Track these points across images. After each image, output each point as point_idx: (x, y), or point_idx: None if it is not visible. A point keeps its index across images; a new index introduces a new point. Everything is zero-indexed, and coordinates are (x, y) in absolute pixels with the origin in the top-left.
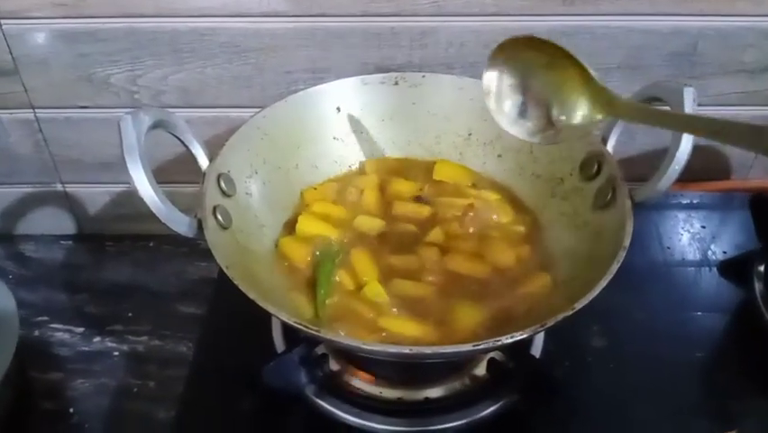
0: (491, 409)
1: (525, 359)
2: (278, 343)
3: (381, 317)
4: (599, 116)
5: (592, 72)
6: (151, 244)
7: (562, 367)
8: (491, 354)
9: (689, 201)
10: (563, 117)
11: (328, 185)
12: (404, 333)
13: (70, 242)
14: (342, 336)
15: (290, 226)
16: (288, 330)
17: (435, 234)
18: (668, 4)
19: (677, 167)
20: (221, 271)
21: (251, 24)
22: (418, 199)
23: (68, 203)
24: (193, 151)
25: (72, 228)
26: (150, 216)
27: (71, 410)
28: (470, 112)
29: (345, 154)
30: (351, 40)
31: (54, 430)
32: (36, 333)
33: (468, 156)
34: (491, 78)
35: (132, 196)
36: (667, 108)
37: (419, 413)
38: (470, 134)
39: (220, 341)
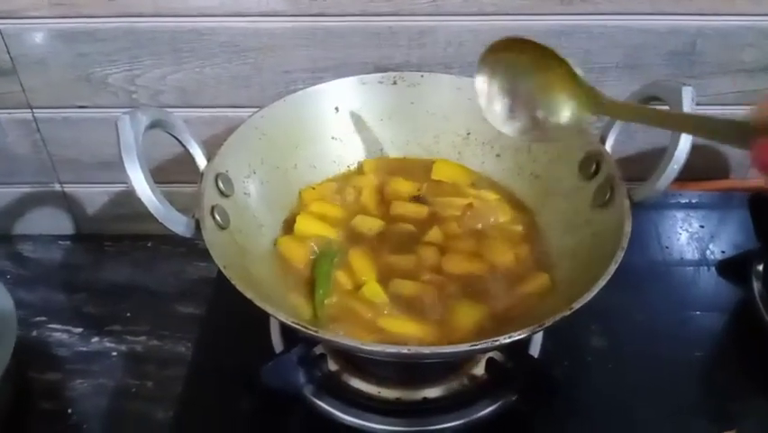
0: (490, 409)
1: (523, 359)
2: (277, 343)
3: (380, 317)
4: (586, 115)
5: (578, 71)
6: (150, 245)
7: (560, 367)
8: (490, 354)
9: (687, 201)
10: (550, 117)
11: (327, 185)
12: (402, 333)
13: (69, 242)
14: (341, 337)
15: (289, 226)
16: (286, 330)
17: (434, 234)
18: (667, 4)
19: (675, 166)
20: (219, 271)
21: (250, 24)
22: (417, 199)
23: (67, 203)
24: (191, 150)
25: (70, 228)
26: (148, 216)
27: (70, 411)
28: (468, 111)
29: (344, 154)
30: (349, 39)
31: (53, 430)
32: (34, 333)
33: (466, 156)
34: (481, 80)
35: (130, 196)
36: (664, 107)
37: (418, 413)
38: (468, 134)
39: (218, 341)
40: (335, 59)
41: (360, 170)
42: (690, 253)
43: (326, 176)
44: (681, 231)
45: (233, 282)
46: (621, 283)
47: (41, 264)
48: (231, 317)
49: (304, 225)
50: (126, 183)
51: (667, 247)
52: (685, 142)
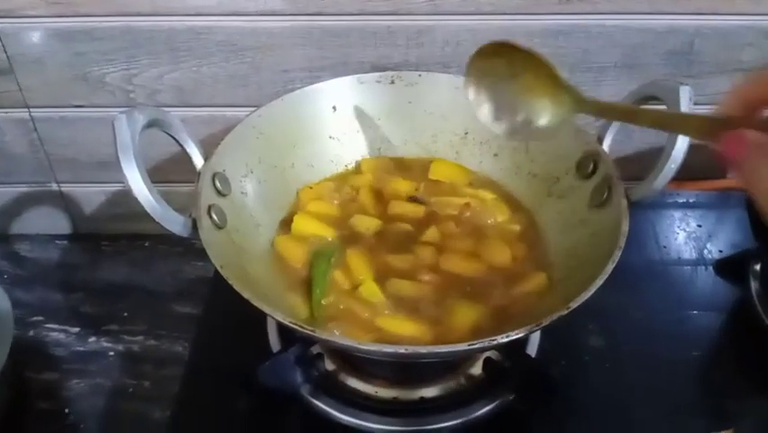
0: (487, 408)
1: (520, 358)
2: (274, 342)
3: (377, 316)
4: (567, 115)
5: (559, 72)
6: (147, 244)
7: (558, 366)
8: (487, 354)
9: (685, 200)
10: (533, 119)
11: (324, 184)
12: (399, 332)
13: (66, 241)
14: (338, 336)
15: (286, 226)
16: (283, 330)
17: (431, 234)
18: (665, 3)
19: (673, 166)
20: (216, 270)
21: (248, 23)
22: (414, 199)
23: (64, 202)
24: (188, 150)
25: (67, 228)
26: (145, 215)
27: (66, 411)
28: (466, 111)
29: (341, 153)
30: (347, 39)
31: (50, 430)
32: (31, 333)
33: (464, 155)
34: (469, 85)
35: (127, 195)
36: (661, 107)
37: (415, 413)
38: (466, 133)
39: (215, 341)
40: (333, 58)
41: (357, 169)
42: (688, 253)
43: (324, 175)
44: (678, 230)
45: (230, 282)
46: (619, 283)
47: (38, 264)
48: (228, 317)
49: (301, 224)
50: (123, 183)
51: (665, 247)
52: (683, 141)
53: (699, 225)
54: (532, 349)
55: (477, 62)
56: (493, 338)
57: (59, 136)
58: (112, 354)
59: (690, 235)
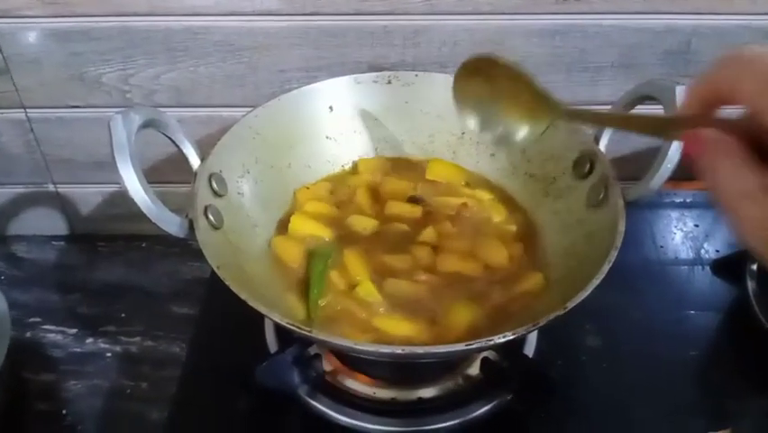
0: (485, 408)
1: (518, 358)
2: (272, 343)
3: (374, 316)
4: (545, 125)
5: (536, 82)
6: (144, 245)
7: (555, 366)
8: (484, 354)
9: (682, 200)
10: (512, 131)
11: (321, 184)
12: (397, 333)
13: (62, 242)
14: (335, 337)
15: (283, 226)
16: (280, 330)
17: (428, 234)
18: (662, 3)
19: (669, 165)
20: (213, 271)
21: (245, 23)
22: (411, 199)
23: (61, 203)
24: (184, 150)
25: (64, 229)
26: (142, 216)
27: (64, 412)
28: None
29: (338, 153)
30: (344, 39)
31: (47, 431)
32: (28, 334)
33: (461, 155)
34: (455, 98)
35: (124, 196)
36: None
37: (412, 413)
38: (463, 133)
39: (213, 341)
40: (330, 58)
41: (354, 169)
42: (685, 253)
43: (321, 175)
44: (675, 230)
45: (226, 283)
46: (616, 283)
47: (35, 265)
48: (225, 318)
49: (298, 224)
50: (119, 183)
51: (662, 246)
52: (678, 141)
53: (696, 225)
54: (529, 349)
55: (462, 76)
56: (490, 338)
57: (55, 137)
58: (109, 355)
59: (687, 235)
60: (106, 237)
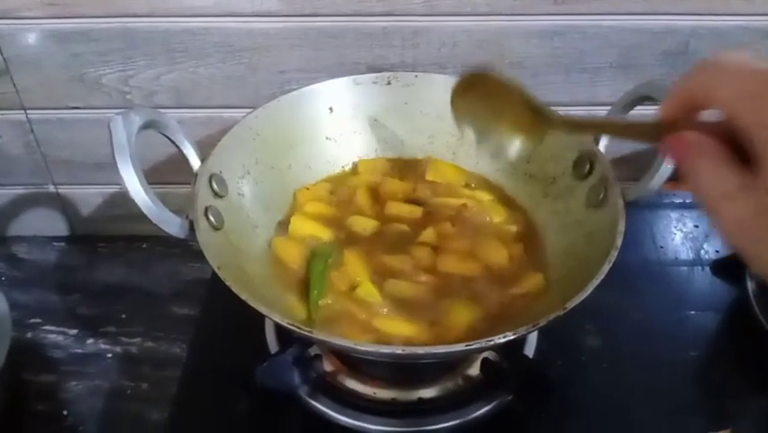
0: (485, 409)
1: (518, 359)
2: (272, 343)
3: (374, 317)
4: (539, 136)
5: (529, 93)
6: (144, 246)
7: (555, 367)
8: (485, 354)
9: (681, 200)
10: (507, 144)
11: (321, 185)
12: (397, 333)
13: (63, 243)
14: (335, 337)
15: (283, 227)
16: (281, 331)
17: (428, 235)
18: (660, 3)
19: (669, 166)
20: (214, 271)
21: (244, 24)
22: (411, 200)
23: (61, 204)
24: (184, 151)
25: (65, 229)
26: (142, 217)
27: (65, 412)
28: None
29: (338, 154)
30: (343, 40)
31: (48, 432)
32: (29, 335)
33: (461, 156)
34: (453, 112)
35: (124, 197)
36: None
37: (413, 413)
38: (461, 136)
39: (213, 342)
40: (329, 59)
41: (354, 170)
42: (685, 253)
43: (321, 176)
44: (675, 231)
45: (227, 283)
46: (616, 283)
47: (36, 266)
48: (225, 318)
49: (298, 225)
50: (120, 184)
51: (662, 247)
52: None
53: (696, 226)
54: (529, 350)
55: (458, 91)
56: (490, 339)
57: (55, 138)
58: (110, 355)
59: (686, 236)
60: (107, 238)
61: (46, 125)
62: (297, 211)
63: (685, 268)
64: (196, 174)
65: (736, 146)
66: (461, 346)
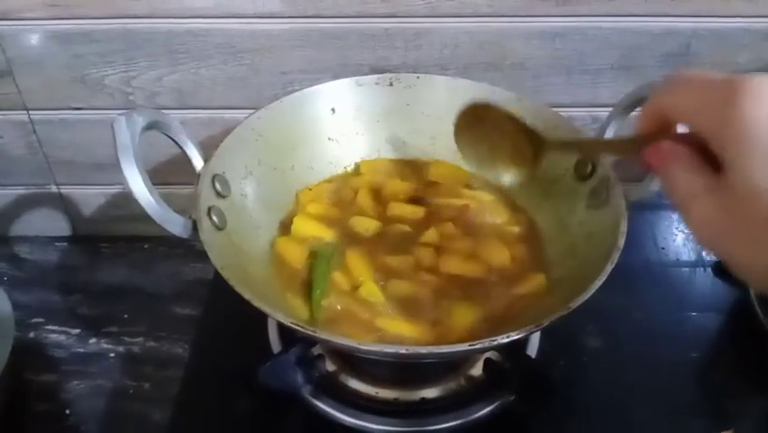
0: (487, 409)
1: (520, 359)
2: (275, 343)
3: (377, 317)
4: (540, 159)
5: (526, 122)
6: (146, 246)
7: (557, 367)
8: (487, 355)
9: None
10: (504, 170)
11: (323, 186)
12: (399, 333)
13: (65, 243)
14: (339, 337)
15: (285, 227)
16: (283, 331)
17: (430, 235)
18: (661, 5)
19: None
20: (216, 272)
21: (246, 25)
22: (414, 201)
23: (63, 204)
24: (187, 152)
25: (67, 230)
26: (145, 217)
27: (67, 412)
28: None
29: (340, 155)
30: (345, 41)
31: (50, 432)
32: (31, 334)
33: None
34: (456, 140)
35: (127, 197)
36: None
37: (415, 414)
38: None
39: (216, 342)
40: (331, 60)
41: (356, 171)
42: (686, 254)
43: (323, 177)
44: (677, 232)
45: (230, 283)
46: (617, 284)
47: (38, 266)
48: (228, 319)
49: (301, 225)
50: (123, 184)
51: (663, 248)
52: None
53: None
54: (532, 350)
55: (461, 122)
56: (494, 338)
57: (58, 138)
58: (112, 355)
59: (688, 237)
60: (109, 238)
61: (48, 126)
62: (299, 211)
63: (687, 269)
64: (199, 174)
65: (706, 153)
66: (464, 346)
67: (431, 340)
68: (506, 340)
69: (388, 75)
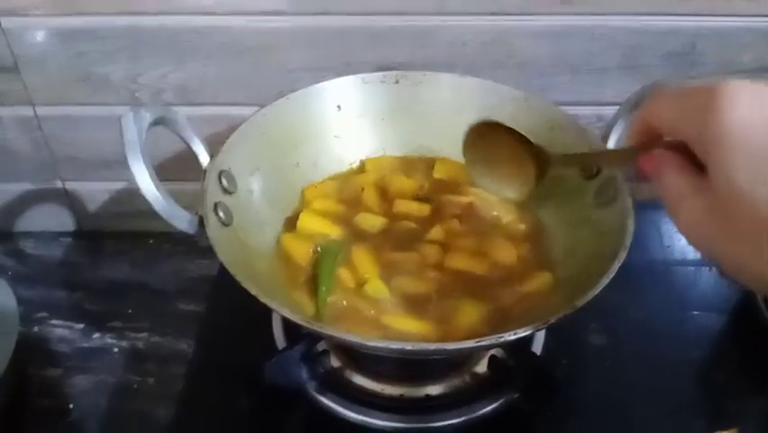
0: (492, 406)
1: (526, 356)
2: (279, 340)
3: (382, 314)
4: (544, 175)
5: (530, 139)
6: (151, 242)
7: (561, 365)
8: (492, 352)
9: None
10: (508, 185)
11: (329, 183)
12: (405, 330)
13: (69, 239)
14: (347, 333)
15: (291, 224)
16: (288, 327)
17: (436, 232)
18: (666, 4)
19: None
20: (221, 268)
21: (252, 22)
22: (419, 198)
23: (68, 200)
24: (194, 148)
25: (71, 225)
26: (149, 213)
27: (70, 407)
28: (469, 110)
29: (346, 152)
30: (352, 38)
31: (53, 427)
32: (36, 329)
33: None
34: (465, 157)
35: (131, 193)
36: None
37: (420, 410)
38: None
39: (220, 338)
40: (337, 57)
41: (362, 168)
42: (692, 253)
43: (328, 174)
44: None
45: (237, 279)
46: (622, 282)
47: (42, 261)
48: (233, 315)
49: (306, 222)
50: (128, 180)
51: (668, 246)
52: None
53: None
54: (536, 348)
55: (469, 140)
56: (501, 335)
57: (63, 134)
58: (116, 350)
59: None
60: (113, 234)
61: (54, 122)
62: (304, 208)
63: (692, 268)
64: (206, 170)
65: (696, 159)
66: (471, 343)
67: (436, 337)
68: (513, 337)
69: (395, 72)
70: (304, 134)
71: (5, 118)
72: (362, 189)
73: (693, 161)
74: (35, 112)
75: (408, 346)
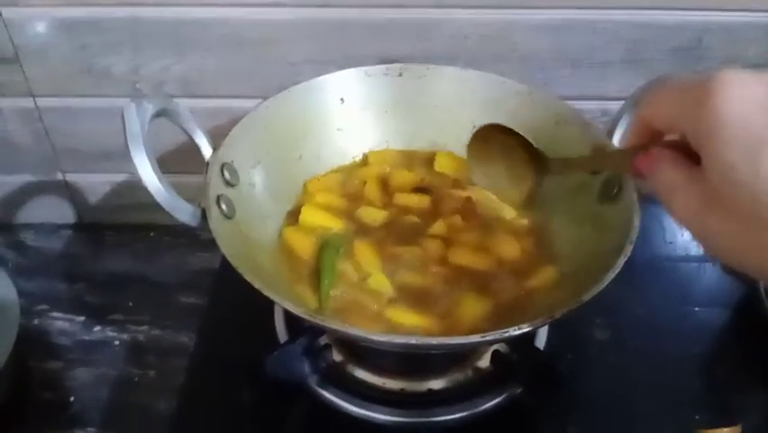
0: (494, 401)
1: (529, 351)
2: (281, 333)
3: (385, 308)
4: (543, 179)
5: (532, 143)
6: (152, 234)
7: (564, 360)
8: (495, 347)
9: None
10: (512, 184)
11: (331, 176)
12: (408, 324)
13: (70, 231)
14: (350, 327)
15: (294, 217)
16: (290, 320)
17: (439, 227)
18: None
19: None
20: (223, 261)
21: (254, 15)
22: (418, 189)
23: (69, 192)
24: (196, 140)
25: (72, 217)
26: (150, 205)
27: (71, 399)
28: (473, 104)
29: (348, 145)
30: (354, 31)
31: (54, 419)
32: (36, 321)
33: None
34: (468, 161)
35: (132, 186)
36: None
37: (422, 405)
38: (473, 126)
39: (221, 331)
40: (339, 50)
41: (364, 161)
42: (695, 249)
43: (331, 167)
44: None
45: (240, 271)
46: (625, 278)
47: (43, 253)
48: (235, 308)
49: (309, 215)
50: (129, 173)
51: (671, 242)
52: None
53: None
54: (540, 343)
55: (473, 143)
56: (505, 330)
57: (64, 126)
58: (117, 343)
59: None
60: (114, 227)
61: (55, 114)
62: (307, 201)
63: (695, 264)
64: (208, 163)
65: (690, 153)
66: (475, 338)
67: (439, 331)
68: (518, 332)
69: (398, 65)
70: (306, 127)
71: (6, 110)
72: (365, 183)
73: (690, 156)
74: (36, 103)
75: (413, 340)
